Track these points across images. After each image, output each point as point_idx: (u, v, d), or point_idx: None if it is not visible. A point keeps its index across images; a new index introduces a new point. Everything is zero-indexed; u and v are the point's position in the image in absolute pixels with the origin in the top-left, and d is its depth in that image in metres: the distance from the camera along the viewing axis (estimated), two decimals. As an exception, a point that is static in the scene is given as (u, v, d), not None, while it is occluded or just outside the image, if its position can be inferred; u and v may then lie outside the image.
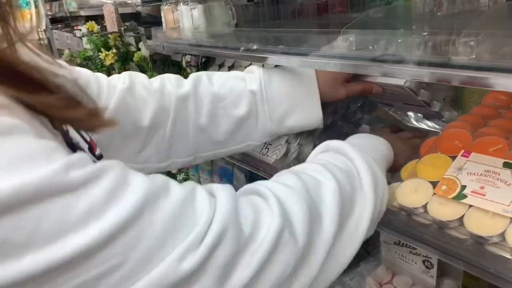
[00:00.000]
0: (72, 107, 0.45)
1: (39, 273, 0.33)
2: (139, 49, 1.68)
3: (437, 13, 0.84)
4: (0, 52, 0.39)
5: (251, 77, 0.82)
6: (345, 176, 0.57)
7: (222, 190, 0.47)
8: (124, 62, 1.74)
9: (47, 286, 0.34)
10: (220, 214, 0.43)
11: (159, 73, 1.61)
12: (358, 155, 0.60)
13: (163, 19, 1.16)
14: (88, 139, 0.55)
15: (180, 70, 1.61)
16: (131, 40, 1.72)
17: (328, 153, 0.64)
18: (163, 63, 1.68)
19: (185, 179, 1.51)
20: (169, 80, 0.80)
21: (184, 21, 1.08)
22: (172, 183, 0.44)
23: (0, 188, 0.32)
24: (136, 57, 1.59)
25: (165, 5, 1.13)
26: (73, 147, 0.49)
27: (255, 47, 0.89)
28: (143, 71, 1.66)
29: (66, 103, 0.44)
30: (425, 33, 0.65)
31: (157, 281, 0.38)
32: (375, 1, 1.22)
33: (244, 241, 0.44)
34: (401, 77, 0.69)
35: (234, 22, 1.12)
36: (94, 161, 0.44)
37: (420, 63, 0.60)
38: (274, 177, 0.59)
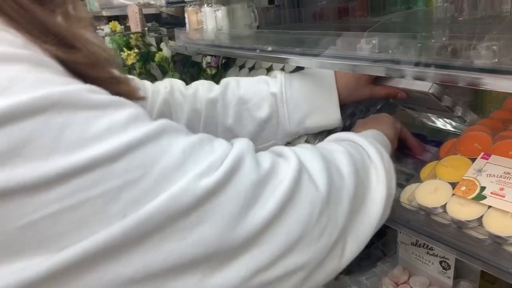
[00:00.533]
0: (100, 67, 0.47)
1: (61, 176, 0.35)
2: (159, 50, 1.71)
3: (458, 18, 0.85)
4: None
5: (273, 81, 0.86)
6: (354, 150, 0.59)
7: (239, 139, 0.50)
8: (145, 62, 1.77)
9: (67, 190, 0.35)
10: (238, 146, 0.45)
11: (180, 73, 1.66)
12: (362, 139, 0.62)
13: (186, 20, 1.19)
14: None
15: (200, 70, 1.64)
16: (152, 41, 1.76)
17: (329, 141, 0.65)
18: (183, 63, 1.71)
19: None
20: (202, 85, 0.87)
21: (208, 23, 1.11)
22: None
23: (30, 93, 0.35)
24: (157, 57, 1.61)
25: (189, 7, 1.16)
26: None
27: (270, 48, 0.91)
28: (163, 71, 1.69)
29: (93, 62, 0.46)
30: (446, 38, 0.67)
31: (177, 197, 0.38)
32: (396, 6, 1.23)
33: (264, 173, 0.44)
34: (423, 80, 0.70)
35: (256, 24, 1.14)
36: None
37: (442, 67, 0.62)
38: None
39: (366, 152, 0.60)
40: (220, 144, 0.45)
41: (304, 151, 0.53)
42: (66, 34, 0.44)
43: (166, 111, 0.83)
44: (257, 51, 0.94)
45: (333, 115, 0.84)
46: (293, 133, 0.86)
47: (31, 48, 0.39)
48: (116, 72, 0.51)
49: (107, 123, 0.38)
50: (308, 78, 0.87)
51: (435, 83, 0.79)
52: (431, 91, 0.78)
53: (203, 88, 0.87)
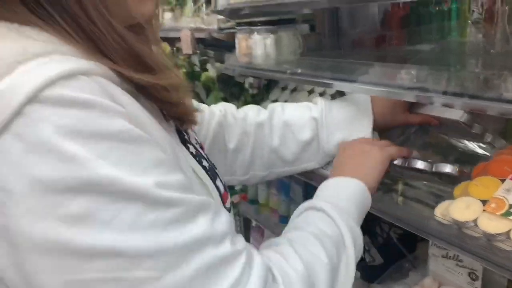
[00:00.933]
0: (174, 92, 0.56)
1: (110, 251, 0.40)
2: (204, 70, 1.84)
3: (490, 50, 0.94)
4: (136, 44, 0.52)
5: (315, 107, 0.95)
6: (334, 248, 0.64)
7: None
8: (190, 81, 1.90)
9: (109, 265, 0.41)
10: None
11: (223, 93, 1.77)
12: (343, 223, 0.67)
13: (236, 45, 1.31)
14: (199, 141, 0.70)
15: (242, 90, 1.76)
16: (195, 61, 1.89)
17: (319, 214, 0.69)
18: (226, 83, 1.83)
19: (243, 190, 1.64)
20: (251, 110, 0.97)
21: (257, 49, 1.22)
22: (232, 240, 0.50)
23: (104, 173, 0.40)
24: (203, 77, 1.74)
25: (240, 33, 1.28)
26: (184, 142, 0.62)
27: (299, 70, 1.03)
28: (208, 90, 1.81)
29: (169, 87, 0.54)
30: (479, 69, 0.75)
31: None
32: (430, 35, 1.31)
33: None
34: (457, 108, 0.78)
35: (300, 51, 1.25)
36: (203, 164, 0.58)
37: (474, 97, 0.70)
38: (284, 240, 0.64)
39: (341, 235, 0.66)
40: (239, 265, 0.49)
41: (291, 273, 0.56)
42: (153, 61, 0.53)
43: (220, 132, 0.93)
44: (298, 74, 1.06)
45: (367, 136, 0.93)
46: (331, 154, 0.94)
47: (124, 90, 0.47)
48: (184, 96, 0.60)
49: (153, 219, 0.42)
50: (346, 104, 0.96)
51: (466, 112, 0.86)
52: (462, 119, 0.85)
53: (252, 112, 0.96)
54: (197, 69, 1.89)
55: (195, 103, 0.90)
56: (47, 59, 0.42)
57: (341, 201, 0.72)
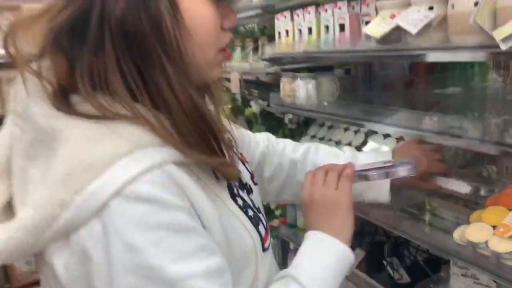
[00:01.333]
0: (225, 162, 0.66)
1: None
2: (247, 106, 2.05)
3: (506, 96, 1.09)
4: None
5: (343, 156, 1.06)
6: None
7: None
8: (234, 116, 2.11)
9: None
10: None
11: (264, 126, 1.97)
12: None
13: (281, 87, 1.51)
14: (251, 171, 0.85)
15: (281, 124, 1.95)
16: (238, 98, 2.10)
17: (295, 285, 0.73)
18: (267, 118, 2.03)
19: (281, 215, 1.82)
20: (289, 145, 1.09)
21: (300, 91, 1.42)
22: None
23: (151, 262, 0.54)
24: (247, 112, 1.95)
25: (285, 78, 1.48)
26: (233, 196, 0.72)
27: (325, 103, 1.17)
28: (250, 123, 2.01)
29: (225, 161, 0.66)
30: (498, 116, 0.89)
31: None
32: (453, 80, 1.46)
33: None
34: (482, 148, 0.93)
35: (338, 94, 1.44)
36: (249, 214, 0.72)
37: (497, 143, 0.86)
38: None
39: None
40: None
41: None
42: (217, 131, 0.65)
43: (261, 161, 1.04)
44: (336, 116, 1.23)
45: (384, 194, 1.00)
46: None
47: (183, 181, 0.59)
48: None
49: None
50: (369, 157, 1.04)
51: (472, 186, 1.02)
52: (467, 191, 1.00)
53: (289, 147, 1.07)
54: (239, 103, 2.11)
55: (243, 131, 1.03)
56: (130, 159, 0.56)
57: (321, 273, 0.75)
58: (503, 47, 0.73)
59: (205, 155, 0.63)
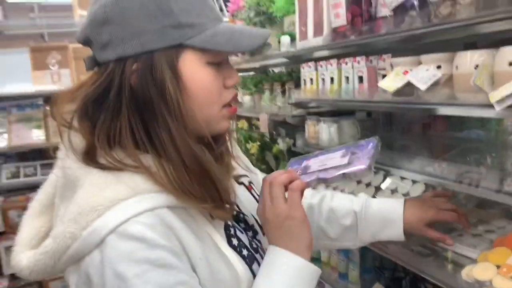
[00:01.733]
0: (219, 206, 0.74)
1: None
2: (274, 143, 2.18)
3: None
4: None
5: (357, 200, 1.09)
6: None
7: None
8: (262, 152, 2.25)
9: None
10: None
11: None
12: None
13: (306, 129, 1.64)
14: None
15: (306, 161, 2.06)
16: (266, 135, 2.24)
17: None
18: (293, 155, 2.15)
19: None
20: (308, 191, 1.11)
21: (323, 133, 1.54)
22: None
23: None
24: (274, 149, 2.07)
25: (309, 121, 1.60)
26: (229, 237, 0.78)
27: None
28: (277, 159, 2.14)
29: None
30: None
31: None
32: (470, 123, 1.54)
33: None
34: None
35: (358, 136, 1.55)
36: (242, 253, 0.78)
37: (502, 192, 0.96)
38: None
39: None
40: None
41: None
42: (216, 180, 0.74)
43: None
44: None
45: (398, 233, 1.04)
46: (366, 242, 1.08)
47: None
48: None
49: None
50: (383, 203, 1.08)
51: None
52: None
53: (308, 193, 1.11)
54: (267, 140, 2.24)
55: (259, 174, 1.10)
56: (127, 203, 0.67)
57: None
58: (497, 108, 0.84)
59: (199, 199, 0.72)
